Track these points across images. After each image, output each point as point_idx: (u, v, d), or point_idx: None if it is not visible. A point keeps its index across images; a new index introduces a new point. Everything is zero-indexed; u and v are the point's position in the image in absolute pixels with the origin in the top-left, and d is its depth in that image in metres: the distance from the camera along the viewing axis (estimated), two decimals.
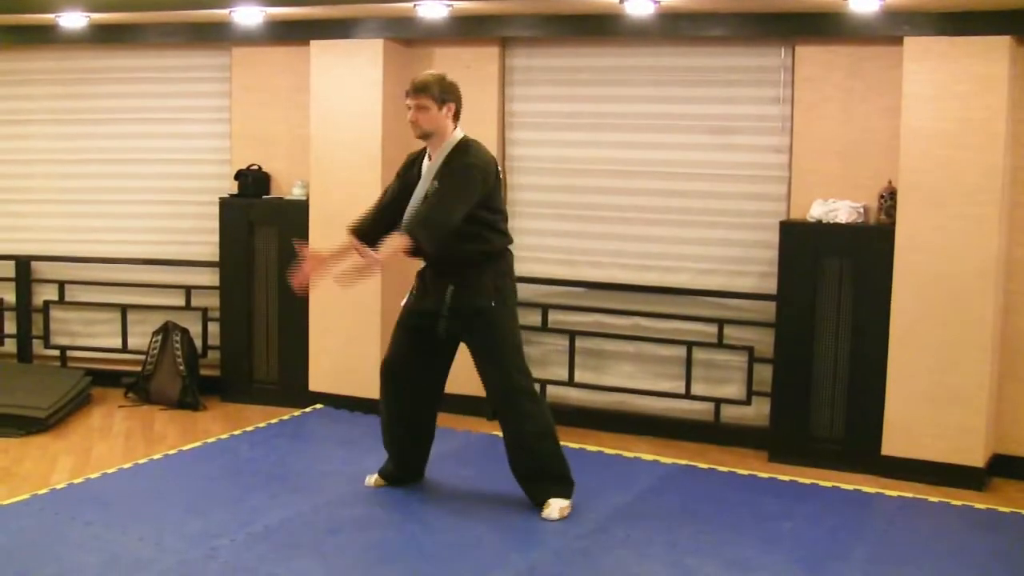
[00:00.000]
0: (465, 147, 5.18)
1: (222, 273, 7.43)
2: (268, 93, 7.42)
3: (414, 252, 5.08)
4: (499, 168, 5.24)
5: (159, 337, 7.42)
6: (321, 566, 4.55)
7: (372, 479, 5.60)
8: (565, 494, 5.22)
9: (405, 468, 5.59)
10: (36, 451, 6.23)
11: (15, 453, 6.17)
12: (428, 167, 5.21)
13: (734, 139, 6.56)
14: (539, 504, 5.20)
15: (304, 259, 5.17)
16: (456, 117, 5.21)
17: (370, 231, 5.29)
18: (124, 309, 7.77)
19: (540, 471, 5.25)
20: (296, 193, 7.28)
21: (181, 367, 7.29)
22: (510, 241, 5.32)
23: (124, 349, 7.79)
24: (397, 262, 5.35)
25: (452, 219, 4.99)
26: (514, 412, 5.22)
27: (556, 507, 5.14)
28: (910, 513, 5.46)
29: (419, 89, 5.11)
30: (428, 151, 5.24)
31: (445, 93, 5.14)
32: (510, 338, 5.25)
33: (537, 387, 5.40)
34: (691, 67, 6.64)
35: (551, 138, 6.97)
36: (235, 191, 7.39)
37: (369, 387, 7.06)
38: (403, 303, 5.43)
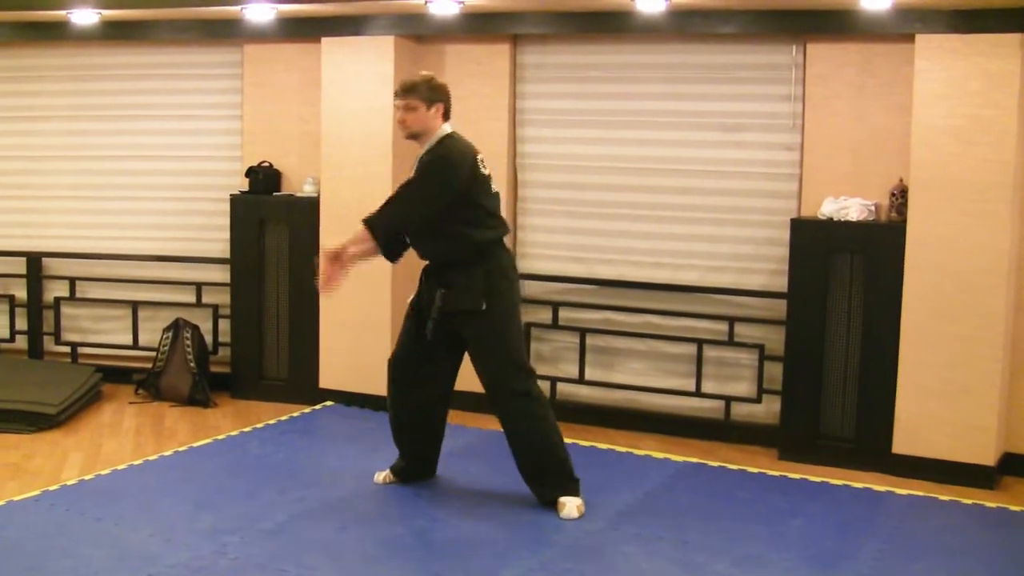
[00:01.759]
0: (439, 143, 5.17)
1: (233, 270, 7.44)
2: (279, 90, 7.43)
3: (385, 250, 5.21)
4: (479, 161, 5.18)
5: (170, 334, 7.43)
6: (331, 562, 4.56)
7: (381, 476, 5.60)
8: (573, 491, 5.21)
9: (415, 464, 5.59)
10: (47, 447, 6.25)
11: (26, 449, 6.19)
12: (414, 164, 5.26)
13: (745, 136, 6.55)
14: (548, 503, 5.20)
15: (323, 262, 5.14)
16: (446, 117, 5.22)
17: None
18: (135, 305, 7.78)
19: (543, 470, 5.23)
20: (307, 190, 7.28)
21: (191, 364, 7.31)
22: (499, 236, 5.24)
23: (135, 346, 7.80)
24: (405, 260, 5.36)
25: (405, 217, 5.11)
26: (510, 413, 5.22)
27: (573, 506, 5.12)
28: (920, 511, 5.45)
29: (407, 90, 5.14)
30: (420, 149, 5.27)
31: (433, 92, 5.15)
32: (506, 339, 5.20)
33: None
34: (702, 64, 6.63)
35: (562, 135, 6.96)
36: (246, 188, 7.40)
37: (379, 384, 7.05)
38: (409, 300, 5.43)
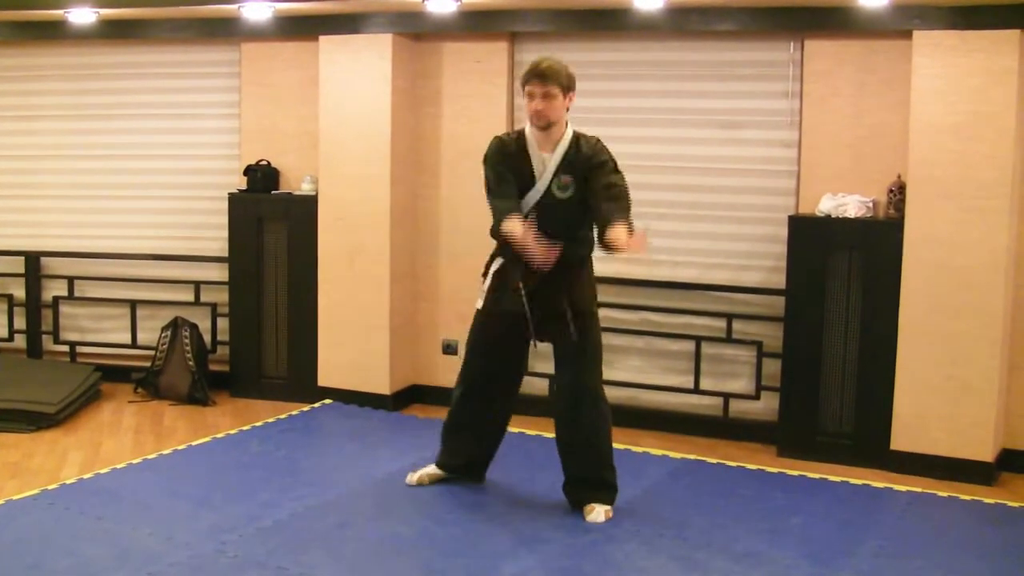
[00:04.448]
0: (596, 141, 5.06)
1: (231, 268, 7.44)
2: (277, 88, 7.42)
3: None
4: None
5: (168, 332, 7.43)
6: (331, 560, 4.56)
7: (415, 477, 5.51)
8: (611, 500, 5.16)
9: (467, 467, 5.51)
10: (46, 446, 6.25)
11: (25, 448, 6.19)
12: (546, 158, 5.02)
13: (743, 133, 6.55)
14: (581, 506, 5.14)
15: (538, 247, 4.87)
16: (570, 108, 5.07)
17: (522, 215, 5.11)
18: (133, 304, 7.78)
19: (595, 476, 5.17)
20: (305, 188, 7.28)
21: (190, 362, 7.30)
22: None
23: (133, 344, 7.80)
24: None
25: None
26: (594, 414, 5.12)
27: (601, 511, 5.07)
28: (919, 507, 5.45)
29: (548, 76, 4.91)
30: (534, 141, 5.06)
31: (571, 81, 4.99)
32: (600, 343, 5.21)
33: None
34: (700, 61, 6.63)
35: None
36: (244, 186, 7.39)
37: (378, 382, 7.08)
38: (481, 307, 5.24)
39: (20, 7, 6.97)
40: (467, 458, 5.48)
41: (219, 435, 6.44)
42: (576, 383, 5.15)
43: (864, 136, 6.19)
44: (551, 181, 5.02)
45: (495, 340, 5.24)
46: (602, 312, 6.80)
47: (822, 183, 6.26)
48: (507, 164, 5.07)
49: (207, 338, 7.57)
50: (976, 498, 5.58)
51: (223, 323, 7.61)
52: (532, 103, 4.96)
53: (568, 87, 4.98)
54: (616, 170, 4.99)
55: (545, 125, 4.99)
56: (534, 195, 5.04)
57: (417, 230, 7.18)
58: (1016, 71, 5.62)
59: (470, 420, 5.40)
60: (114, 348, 7.86)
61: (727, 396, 6.66)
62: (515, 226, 4.84)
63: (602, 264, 6.84)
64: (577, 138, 5.05)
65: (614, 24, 6.51)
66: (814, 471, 5.95)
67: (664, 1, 6.06)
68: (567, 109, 5.03)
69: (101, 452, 6.16)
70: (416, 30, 6.93)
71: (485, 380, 5.32)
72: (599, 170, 4.95)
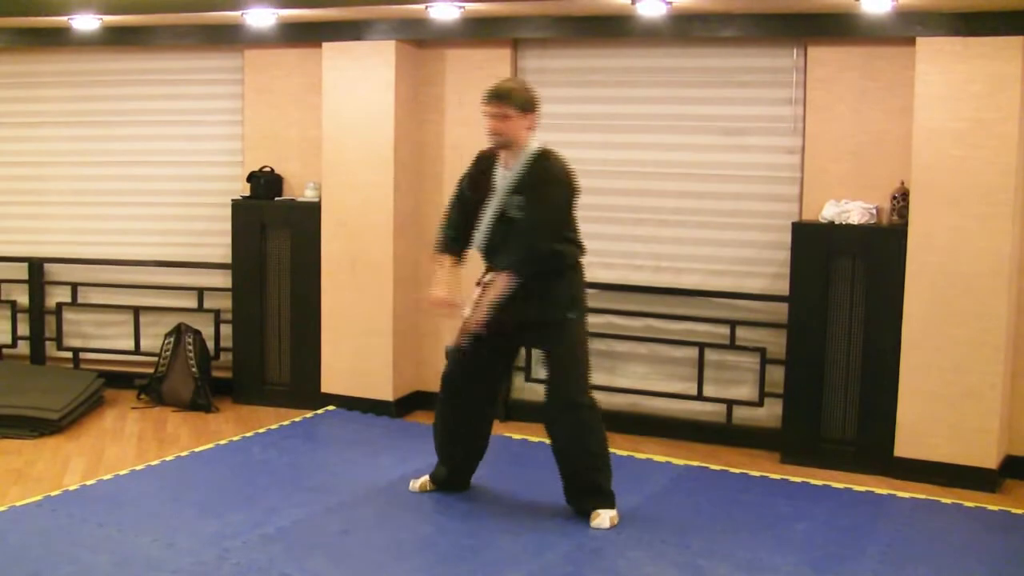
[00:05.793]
0: (544, 160, 5.06)
1: (234, 275, 7.44)
2: (280, 95, 7.43)
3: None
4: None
5: (171, 339, 7.43)
6: (334, 567, 4.56)
7: (418, 483, 5.53)
8: (610, 505, 5.15)
9: (458, 476, 5.53)
10: (49, 452, 6.25)
11: (28, 455, 6.19)
12: (504, 177, 5.10)
13: (746, 140, 6.55)
14: (583, 513, 5.14)
15: (439, 307, 5.26)
16: (533, 128, 5.10)
17: (459, 247, 5.29)
18: (136, 311, 7.78)
19: (587, 483, 5.16)
20: (308, 195, 7.28)
21: (193, 369, 7.30)
22: (583, 252, 5.23)
23: (136, 351, 7.80)
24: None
25: (549, 247, 5.02)
26: (574, 423, 5.13)
27: (606, 517, 5.07)
28: (923, 514, 5.44)
29: (501, 97, 5.01)
30: (503, 159, 5.13)
31: (527, 103, 5.04)
32: (584, 351, 5.18)
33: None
34: (703, 68, 6.63)
35: (563, 139, 6.91)
36: (247, 193, 7.40)
37: (381, 389, 7.07)
38: (464, 313, 5.27)
39: (24, 14, 6.98)
40: (449, 466, 5.50)
41: (222, 441, 6.44)
42: (551, 392, 5.20)
43: (867, 142, 6.19)
44: (505, 200, 5.09)
45: (473, 346, 5.24)
46: (606, 318, 6.90)
47: (825, 189, 6.26)
48: (474, 180, 5.23)
49: (210, 344, 7.57)
50: (980, 505, 5.57)
51: (226, 329, 7.61)
52: (488, 122, 5.06)
53: (525, 108, 5.04)
54: (545, 199, 5.03)
55: (501, 144, 5.09)
56: (490, 212, 5.14)
57: (420, 236, 7.17)
58: (1019, 77, 5.62)
59: (444, 424, 5.44)
60: (117, 354, 7.86)
61: (730, 403, 6.65)
62: (433, 294, 5.25)
63: (608, 271, 6.89)
64: (537, 157, 5.08)
65: (617, 31, 6.51)
66: (817, 478, 5.94)
67: (667, 8, 6.05)
68: (530, 129, 5.08)
69: (104, 458, 6.16)
70: (419, 37, 6.93)
71: (461, 384, 5.35)
72: (529, 197, 5.02)
